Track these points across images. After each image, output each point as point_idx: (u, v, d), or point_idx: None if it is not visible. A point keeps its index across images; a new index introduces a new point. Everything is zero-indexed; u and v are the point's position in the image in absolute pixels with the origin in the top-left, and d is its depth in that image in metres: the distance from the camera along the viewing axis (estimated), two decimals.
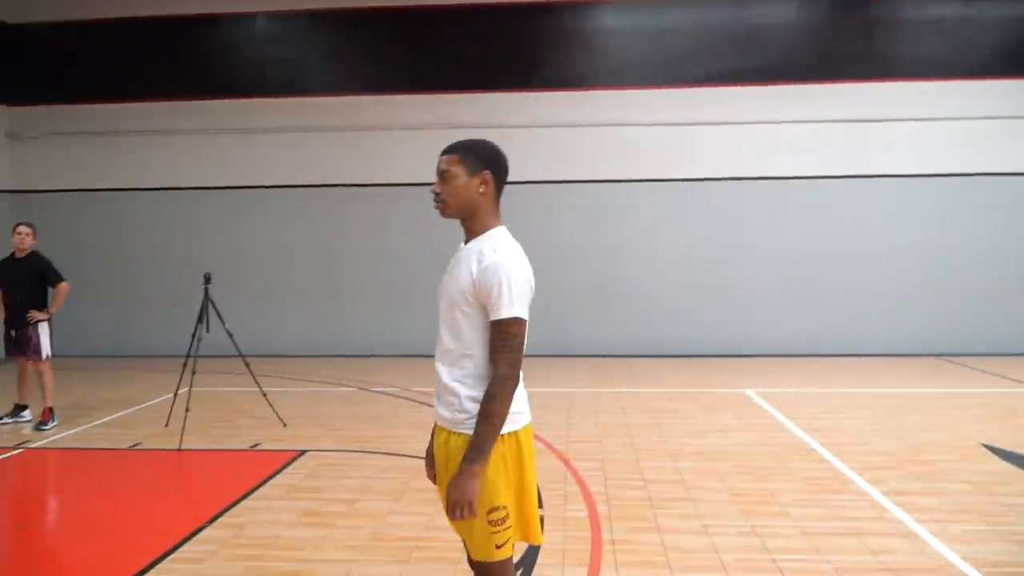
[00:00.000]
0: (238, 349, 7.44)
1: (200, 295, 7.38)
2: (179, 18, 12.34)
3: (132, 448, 6.76)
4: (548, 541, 4.46)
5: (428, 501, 5.13)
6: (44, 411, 7.51)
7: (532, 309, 2.58)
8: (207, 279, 7.41)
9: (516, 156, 2.87)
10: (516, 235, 2.66)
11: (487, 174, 2.57)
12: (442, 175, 2.60)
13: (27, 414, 7.73)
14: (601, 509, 5.07)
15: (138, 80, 12.43)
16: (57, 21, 12.47)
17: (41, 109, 12.62)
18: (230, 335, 7.31)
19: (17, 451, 6.74)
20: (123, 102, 12.46)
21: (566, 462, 6.13)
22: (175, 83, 12.40)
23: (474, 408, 2.50)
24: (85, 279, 11.98)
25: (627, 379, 10.12)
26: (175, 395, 7.63)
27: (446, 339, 2.61)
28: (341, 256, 12.35)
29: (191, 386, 7.15)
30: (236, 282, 11.74)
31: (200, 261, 11.52)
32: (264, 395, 7.65)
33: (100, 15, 12.36)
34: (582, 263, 12.04)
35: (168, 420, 7.49)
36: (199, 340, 7.18)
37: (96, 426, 7.61)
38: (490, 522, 2.52)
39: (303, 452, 6.51)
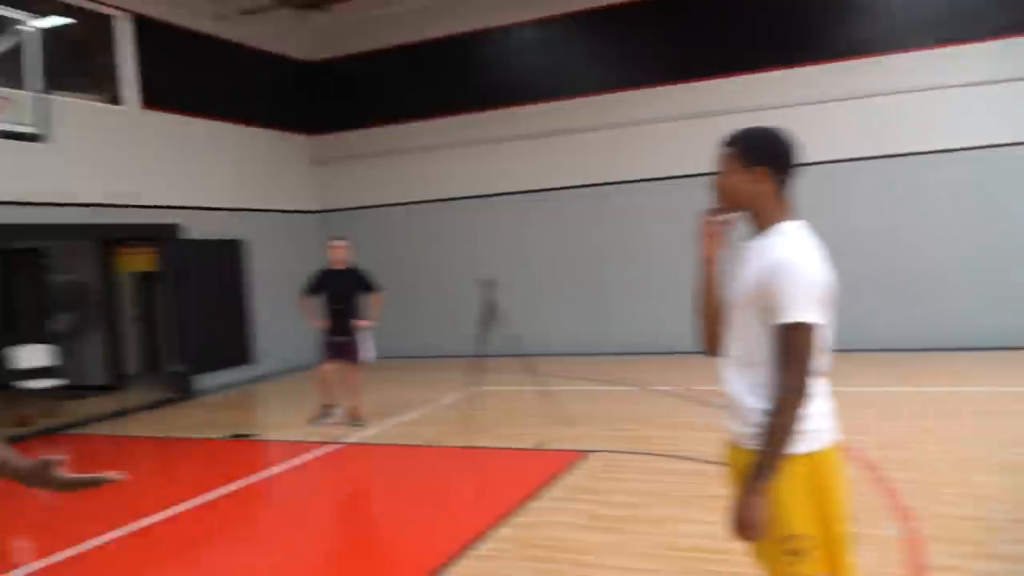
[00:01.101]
0: (521, 351, 7.66)
1: (477, 302, 7.72)
2: (451, 37, 13.09)
3: (430, 445, 7.21)
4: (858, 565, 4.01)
5: (719, 509, 4.86)
6: (353, 409, 8.20)
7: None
8: (488, 284, 7.72)
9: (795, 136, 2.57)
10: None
11: (763, 170, 2.33)
12: (720, 169, 2.42)
13: (339, 411, 8.40)
14: (921, 529, 4.49)
15: (419, 100, 13.35)
16: (344, 55, 13.80)
17: (338, 136, 14.02)
18: (513, 338, 7.56)
19: (335, 447, 7.46)
20: (406, 122, 13.45)
21: (875, 471, 5.54)
22: (451, 99, 13.15)
23: (763, 421, 2.26)
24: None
25: (944, 376, 9.02)
26: (465, 395, 8.04)
27: (734, 345, 2.40)
28: (606, 254, 12.34)
29: (480, 386, 7.47)
30: (511, 283, 12.14)
31: (479, 265, 12.17)
32: (548, 396, 7.80)
33: (382, 45, 13.47)
34: (877, 248, 10.93)
35: (462, 419, 7.91)
36: (484, 343, 7.50)
37: (399, 424, 8.24)
38: (786, 552, 2.26)
39: (587, 453, 6.52)
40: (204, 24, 11.95)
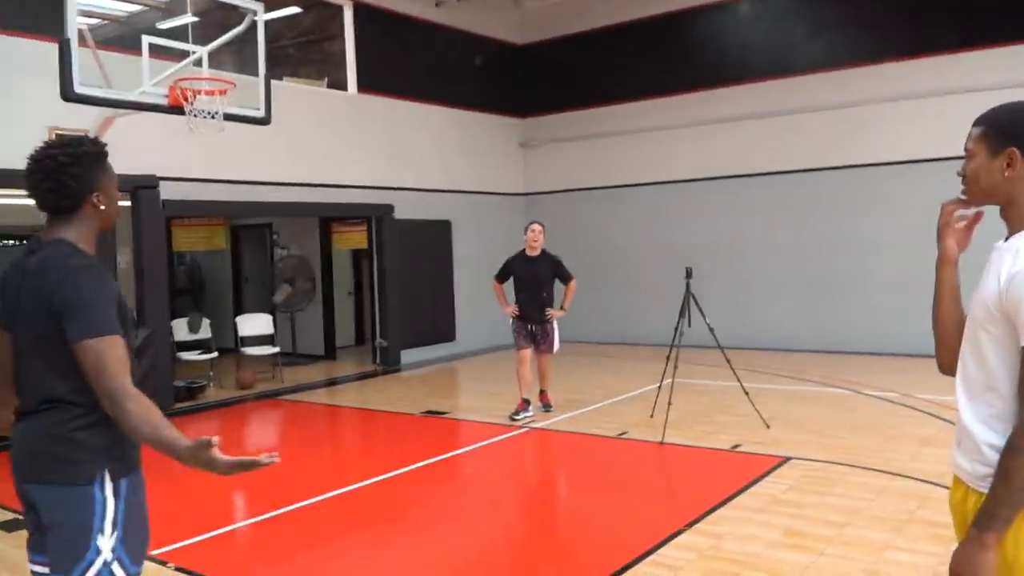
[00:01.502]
0: (719, 344, 7.24)
1: (682, 287, 7.36)
2: (662, 16, 12.64)
3: (619, 436, 6.99)
4: None
5: (937, 538, 4.28)
6: (543, 395, 8.12)
7: None
8: (688, 273, 7.35)
9: None
10: None
11: (1014, 152, 1.88)
12: (966, 153, 2.00)
13: (531, 410, 7.86)
14: None
15: (628, 81, 13.04)
16: (555, 38, 13.74)
17: (546, 118, 14.02)
18: (711, 330, 7.15)
19: (522, 430, 7.45)
20: (614, 103, 13.20)
21: None
22: (661, 80, 12.72)
23: (996, 459, 1.84)
24: (583, 271, 13.08)
25: None
26: (659, 387, 7.73)
27: (969, 365, 1.97)
28: (826, 244, 11.42)
29: (673, 378, 7.13)
30: (717, 271, 11.65)
31: (682, 252, 11.75)
32: (747, 394, 7.32)
33: (591, 26, 13.29)
34: None
35: (653, 411, 7.61)
36: (681, 334, 7.16)
37: (588, 412, 8.09)
38: None
39: (786, 460, 6.03)
40: (421, 10, 12.35)
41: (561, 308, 7.79)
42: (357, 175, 11.26)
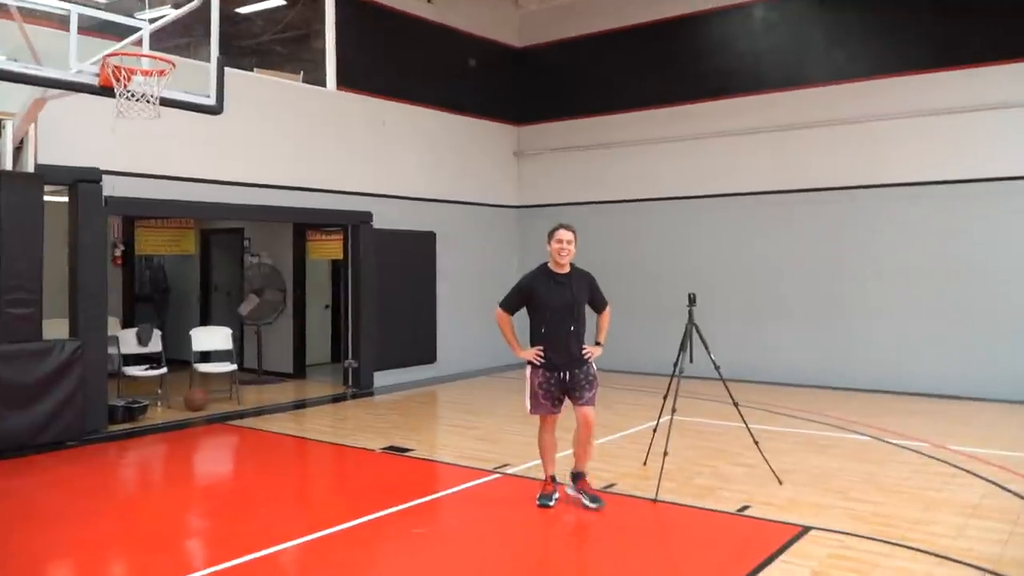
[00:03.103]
0: (726, 385, 6.22)
1: (685, 314, 6.34)
2: (668, 21, 11.72)
3: (606, 489, 5.94)
4: None
5: None
6: (580, 480, 5.64)
7: None
8: (691, 300, 6.32)
9: None
10: None
11: None
12: None
13: (570, 490, 5.70)
14: None
15: (632, 90, 12.10)
16: (554, 40, 12.80)
17: (542, 127, 13.05)
18: (717, 368, 6.14)
19: (494, 476, 6.40)
20: (616, 113, 12.24)
21: None
22: (666, 90, 11.77)
23: None
24: None
25: None
26: (655, 427, 6.70)
27: None
28: (845, 268, 10.41)
29: (672, 418, 6.09)
30: (723, 295, 10.66)
31: (687, 274, 10.73)
32: (756, 443, 6.27)
33: (593, 29, 12.36)
34: None
35: (647, 458, 6.58)
36: (681, 370, 6.14)
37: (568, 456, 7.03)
38: None
39: (805, 530, 4.97)
40: (412, 5, 11.42)
41: (597, 344, 5.62)
42: (333, 179, 10.30)
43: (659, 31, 11.81)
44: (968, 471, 6.37)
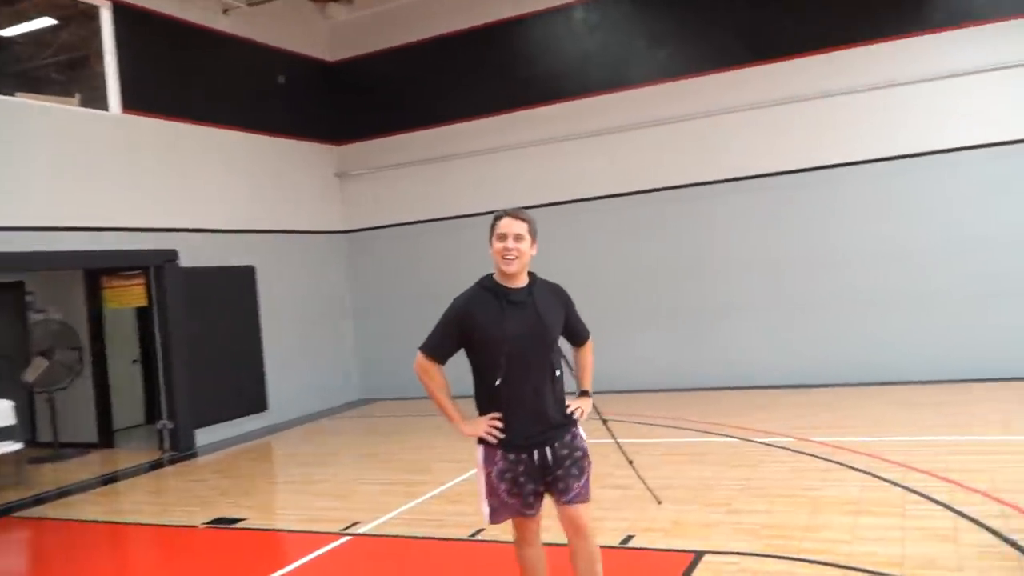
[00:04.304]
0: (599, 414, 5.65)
1: None
2: (490, 26, 11.25)
3: (472, 538, 5.19)
4: None
5: None
6: None
7: None
8: None
9: None
10: None
11: None
12: None
13: None
14: None
15: (455, 100, 11.51)
16: (373, 53, 12.04)
17: (366, 144, 12.22)
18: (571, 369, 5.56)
19: (344, 539, 5.51)
20: (441, 125, 11.61)
21: None
22: (491, 97, 11.28)
23: None
24: (414, 317, 11.29)
25: None
26: None
27: None
28: (686, 268, 10.28)
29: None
30: (586, 306, 10.21)
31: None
32: (630, 462, 5.74)
33: (411, 39, 11.72)
34: None
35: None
36: None
37: (430, 499, 6.25)
38: None
39: (699, 556, 4.46)
40: (205, 16, 10.29)
41: (583, 393, 3.62)
42: (127, 215, 9.00)
43: (479, 37, 11.32)
44: (839, 463, 6.15)
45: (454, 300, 3.43)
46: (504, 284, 3.36)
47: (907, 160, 9.28)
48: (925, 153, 9.18)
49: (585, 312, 3.67)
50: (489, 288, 3.37)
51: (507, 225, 3.34)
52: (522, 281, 3.40)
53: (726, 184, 10.06)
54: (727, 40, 10.07)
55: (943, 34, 9.07)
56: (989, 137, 8.89)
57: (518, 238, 3.32)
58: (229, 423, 9.81)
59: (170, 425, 9.11)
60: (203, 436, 9.43)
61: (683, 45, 10.35)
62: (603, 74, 10.67)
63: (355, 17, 12.18)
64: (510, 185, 11.12)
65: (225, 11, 10.54)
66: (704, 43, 10.26)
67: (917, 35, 9.18)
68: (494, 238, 3.37)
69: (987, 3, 8.92)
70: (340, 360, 11.90)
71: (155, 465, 8.76)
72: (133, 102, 9.25)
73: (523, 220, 3.38)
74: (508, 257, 3.30)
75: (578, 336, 3.65)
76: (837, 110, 9.50)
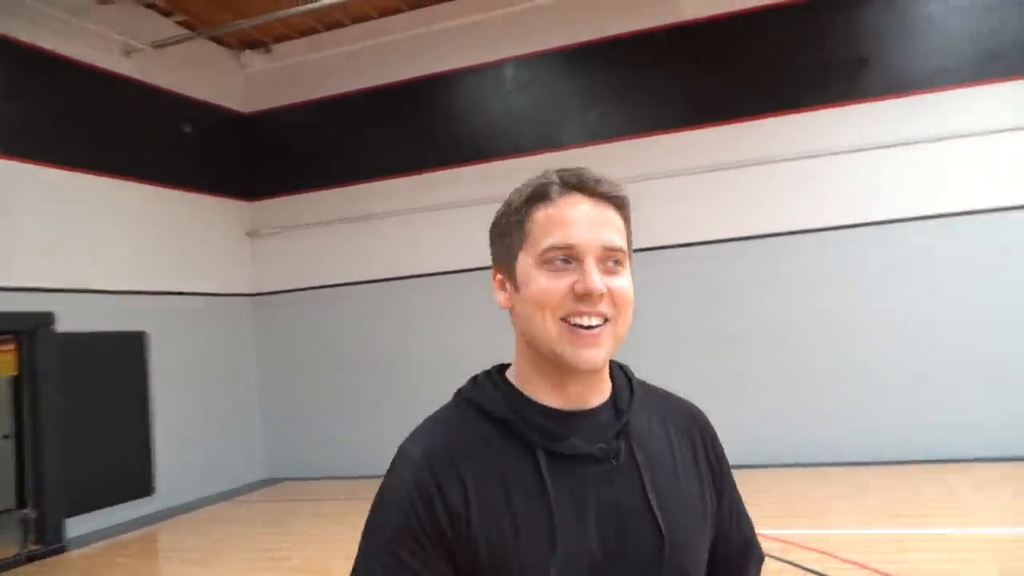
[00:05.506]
0: None
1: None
2: (417, 81, 10.70)
3: None
4: None
5: None
6: None
7: None
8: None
9: None
10: None
11: None
12: None
13: None
14: None
15: (377, 158, 10.82)
16: (290, 105, 11.33)
17: (280, 201, 11.40)
18: None
19: None
20: (361, 183, 10.91)
21: None
22: (415, 156, 10.65)
23: None
24: (327, 390, 10.41)
25: None
26: None
27: None
28: (628, 344, 9.66)
29: None
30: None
31: (458, 355, 9.47)
32: None
33: (332, 92, 11.07)
34: None
35: None
36: None
37: None
38: None
39: None
40: (105, 59, 9.44)
41: None
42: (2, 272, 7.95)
43: (405, 92, 10.74)
44: (792, 564, 5.50)
45: (398, 465, 1.35)
46: (548, 403, 1.31)
47: (841, 231, 8.97)
48: (859, 224, 8.90)
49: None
50: (502, 420, 1.30)
51: (583, 216, 1.32)
52: (600, 392, 1.37)
53: (650, 252, 9.51)
54: (659, 104, 9.73)
55: (878, 103, 8.89)
56: (921, 210, 8.67)
57: (613, 260, 1.31)
58: (108, 510, 8.63)
59: (33, 514, 7.90)
60: (76, 526, 8.24)
61: (612, 107, 9.96)
62: (533, 133, 10.17)
63: (273, 67, 11.49)
64: (434, 247, 10.43)
65: (128, 53, 9.71)
66: (635, 106, 9.89)
67: (853, 103, 8.98)
68: (536, 259, 1.32)
69: (919, 74, 8.80)
70: (244, 436, 10.80)
71: (8, 565, 7.52)
72: (12, 147, 8.27)
73: (617, 204, 1.36)
74: (591, 325, 1.28)
75: (742, 552, 1.46)
76: (769, 178, 9.18)
